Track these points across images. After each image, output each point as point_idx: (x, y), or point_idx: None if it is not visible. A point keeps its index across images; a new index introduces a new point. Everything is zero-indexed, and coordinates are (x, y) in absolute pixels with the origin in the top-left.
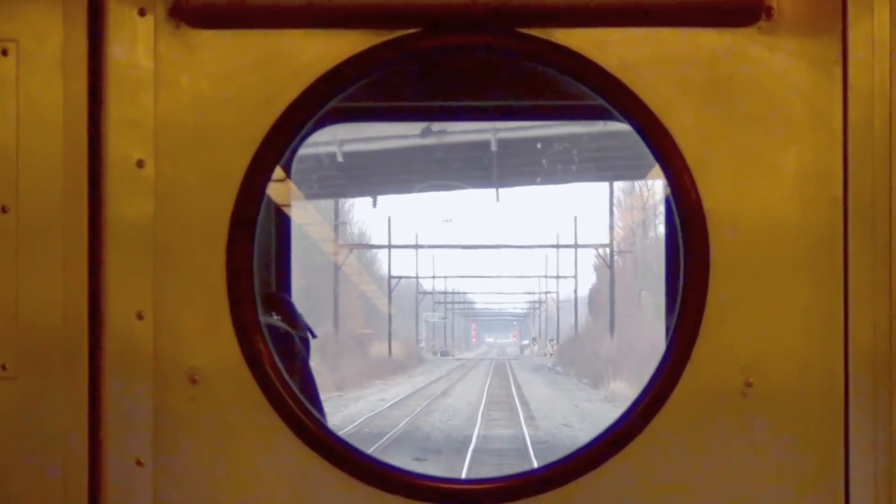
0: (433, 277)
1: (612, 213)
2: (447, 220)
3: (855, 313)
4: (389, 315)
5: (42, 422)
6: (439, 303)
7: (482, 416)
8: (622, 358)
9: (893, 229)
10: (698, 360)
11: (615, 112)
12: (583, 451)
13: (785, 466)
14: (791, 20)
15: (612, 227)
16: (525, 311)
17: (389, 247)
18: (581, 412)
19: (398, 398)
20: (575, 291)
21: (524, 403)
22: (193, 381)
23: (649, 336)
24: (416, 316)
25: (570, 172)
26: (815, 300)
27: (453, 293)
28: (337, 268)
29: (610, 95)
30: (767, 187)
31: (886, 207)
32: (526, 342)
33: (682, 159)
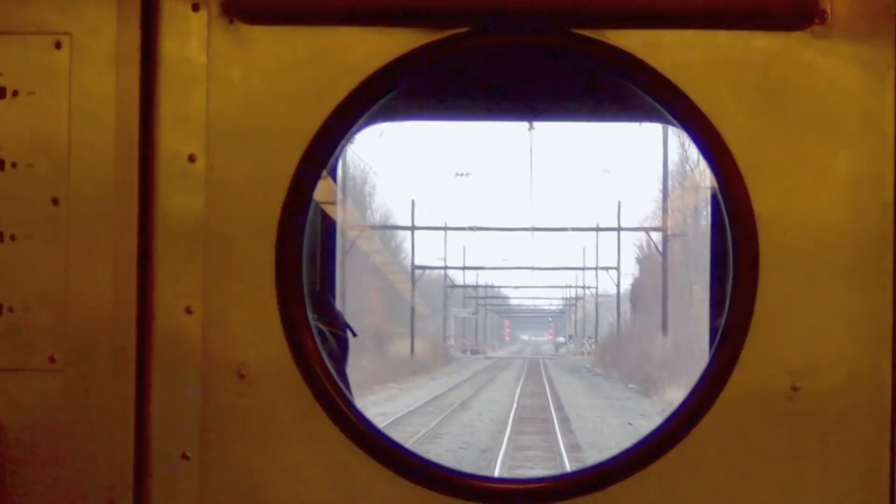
0: (463, 269)
1: (665, 183)
2: (462, 175)
3: None
4: (412, 308)
5: (89, 414)
6: (470, 297)
7: (507, 442)
8: (677, 360)
9: None
10: (746, 364)
11: (667, 114)
12: (627, 454)
13: (831, 471)
14: (844, 24)
15: (665, 199)
16: (561, 307)
17: (413, 228)
18: (640, 434)
19: (404, 411)
20: (617, 284)
21: (563, 420)
22: (241, 377)
23: (707, 335)
24: (445, 311)
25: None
26: (864, 305)
27: (485, 286)
28: (346, 250)
29: (662, 97)
30: (818, 191)
31: None
32: (562, 339)
33: (734, 162)
